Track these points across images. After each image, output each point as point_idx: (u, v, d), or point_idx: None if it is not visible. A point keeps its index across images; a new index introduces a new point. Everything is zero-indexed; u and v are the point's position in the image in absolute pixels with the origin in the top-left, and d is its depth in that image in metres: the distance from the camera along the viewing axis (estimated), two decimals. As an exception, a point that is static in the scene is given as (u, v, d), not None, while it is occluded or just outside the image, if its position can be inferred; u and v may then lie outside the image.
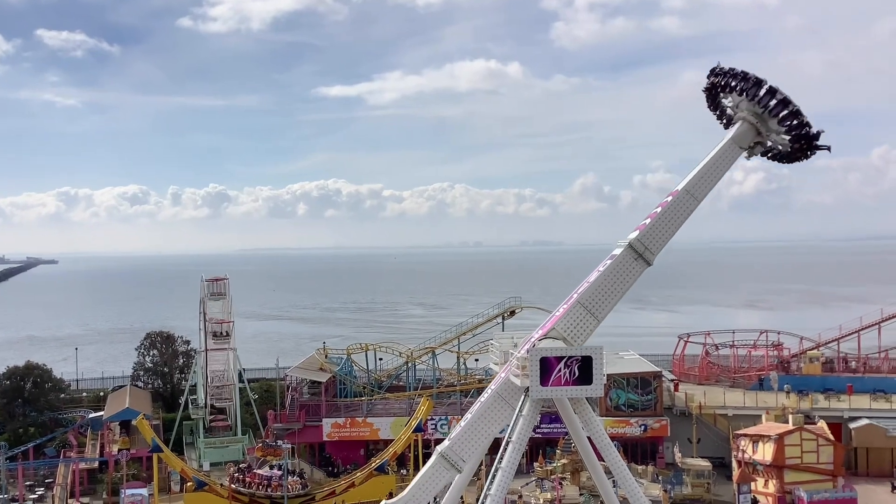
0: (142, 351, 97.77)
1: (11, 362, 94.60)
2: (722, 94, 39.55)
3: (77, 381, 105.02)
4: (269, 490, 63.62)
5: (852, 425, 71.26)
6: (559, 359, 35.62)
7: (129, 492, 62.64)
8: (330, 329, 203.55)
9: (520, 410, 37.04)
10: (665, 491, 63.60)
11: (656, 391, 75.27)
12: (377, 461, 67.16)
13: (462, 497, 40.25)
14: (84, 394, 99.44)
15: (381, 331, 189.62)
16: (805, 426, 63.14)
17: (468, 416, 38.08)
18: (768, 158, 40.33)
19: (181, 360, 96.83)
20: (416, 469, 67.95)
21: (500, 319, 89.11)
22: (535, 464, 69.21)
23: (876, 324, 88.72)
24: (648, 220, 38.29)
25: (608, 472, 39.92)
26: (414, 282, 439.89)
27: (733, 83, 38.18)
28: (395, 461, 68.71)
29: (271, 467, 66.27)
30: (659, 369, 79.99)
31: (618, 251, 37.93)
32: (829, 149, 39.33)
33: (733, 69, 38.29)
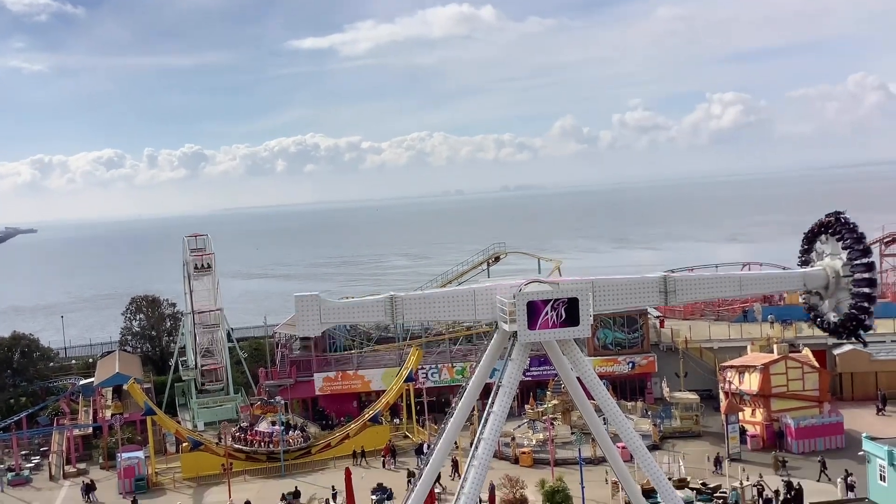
0: (128, 316, 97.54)
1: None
2: (824, 236, 39.62)
3: (65, 349, 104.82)
4: (270, 445, 64.27)
5: (836, 351, 72.40)
6: (545, 302, 35.77)
7: (125, 455, 63.03)
8: (316, 284, 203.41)
9: (509, 355, 37.31)
10: (655, 425, 64.76)
11: (642, 328, 76.08)
12: (370, 412, 67.84)
13: (456, 442, 40.72)
14: (73, 361, 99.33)
15: (366, 283, 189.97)
16: (790, 355, 64.08)
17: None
18: (807, 312, 41.22)
19: (168, 323, 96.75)
20: (409, 418, 68.90)
21: (485, 266, 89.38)
22: (527, 406, 70.15)
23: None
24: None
25: (598, 410, 40.45)
26: (397, 233, 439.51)
27: (845, 234, 38.26)
28: (388, 411, 69.43)
29: (273, 423, 67.07)
30: (644, 307, 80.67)
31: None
32: (864, 343, 40.65)
33: (855, 225, 38.43)
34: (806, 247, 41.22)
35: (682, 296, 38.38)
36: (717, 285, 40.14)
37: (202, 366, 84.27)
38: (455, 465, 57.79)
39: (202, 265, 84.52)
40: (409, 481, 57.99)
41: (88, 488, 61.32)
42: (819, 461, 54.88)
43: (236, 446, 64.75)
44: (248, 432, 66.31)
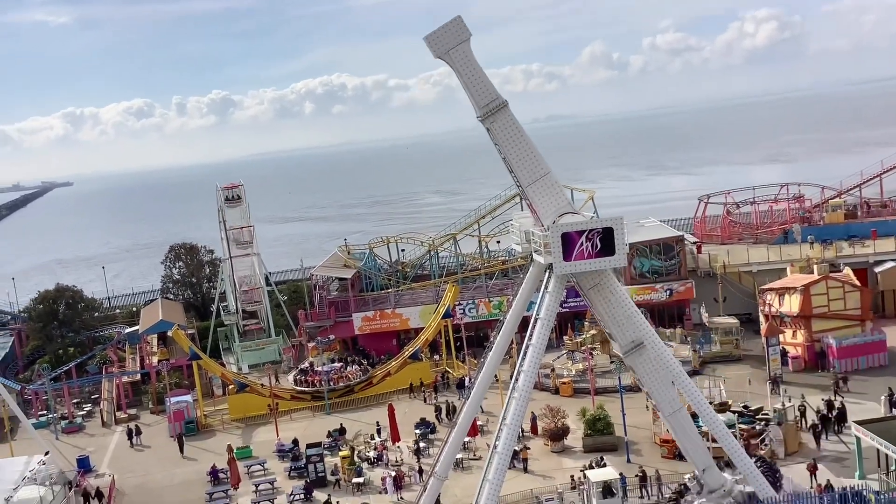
0: (168, 264, 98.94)
1: (42, 286, 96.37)
2: None
3: (108, 298, 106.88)
4: (330, 384, 65.53)
5: (878, 269, 71.41)
6: (580, 233, 35.45)
7: (174, 399, 64.62)
8: (350, 225, 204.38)
9: (545, 287, 37.22)
10: (695, 351, 64.70)
11: (679, 255, 75.44)
12: (410, 349, 68.57)
13: (496, 375, 41.02)
14: (117, 310, 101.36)
15: (400, 222, 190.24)
16: (830, 275, 63.31)
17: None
18: None
19: (207, 270, 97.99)
20: (449, 354, 69.56)
21: (517, 199, 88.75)
22: (565, 337, 70.39)
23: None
24: (467, 93, 36.70)
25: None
26: (429, 170, 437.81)
27: None
28: (427, 348, 70.11)
29: (332, 361, 68.52)
30: (680, 233, 79.98)
31: (487, 126, 36.84)
32: None
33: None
34: None
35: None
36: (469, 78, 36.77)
37: (244, 322, 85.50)
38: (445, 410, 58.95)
39: (241, 239, 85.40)
40: (436, 414, 59.06)
41: (133, 433, 63.15)
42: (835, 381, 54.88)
43: (298, 388, 66.22)
44: (309, 374, 67.60)
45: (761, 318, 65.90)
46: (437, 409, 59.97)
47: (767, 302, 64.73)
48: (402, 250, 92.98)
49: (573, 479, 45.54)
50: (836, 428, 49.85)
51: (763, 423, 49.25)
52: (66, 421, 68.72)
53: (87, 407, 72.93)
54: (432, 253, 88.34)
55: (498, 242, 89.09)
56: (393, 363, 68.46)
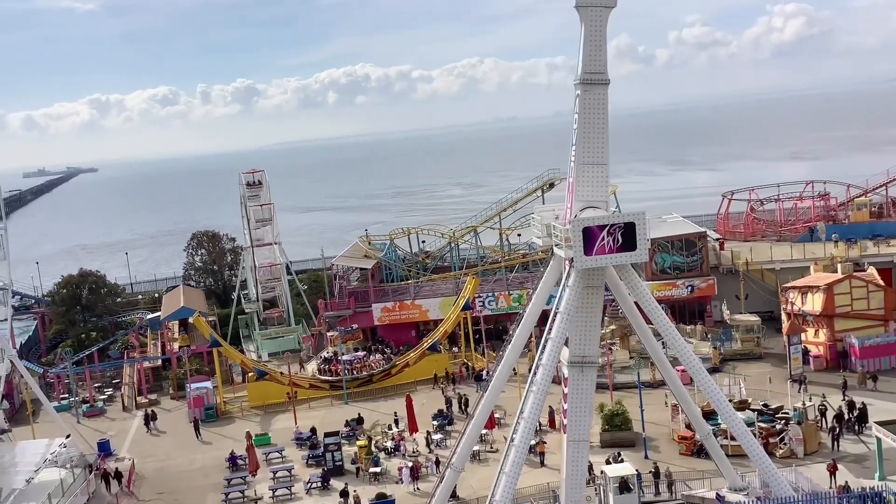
0: (190, 251, 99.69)
1: (66, 271, 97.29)
2: None
3: (131, 284, 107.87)
4: (353, 373, 65.81)
5: (903, 269, 70.52)
6: (601, 227, 35.25)
7: (194, 385, 65.17)
8: (371, 216, 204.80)
9: (565, 281, 37.08)
10: (715, 348, 64.30)
11: (701, 251, 74.90)
12: (429, 341, 68.65)
13: (514, 368, 40.98)
14: (139, 296, 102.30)
15: (421, 213, 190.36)
16: (854, 274, 62.65)
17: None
18: None
19: (229, 258, 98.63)
20: (468, 346, 69.60)
21: (539, 192, 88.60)
22: (584, 331, 70.04)
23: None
24: (580, 52, 36.15)
25: (657, 334, 40.19)
26: (450, 162, 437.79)
27: None
28: (446, 340, 70.18)
29: (356, 350, 68.89)
30: (703, 229, 79.40)
31: (578, 92, 36.27)
32: None
33: None
34: None
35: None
36: (590, 28, 34.95)
37: (265, 308, 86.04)
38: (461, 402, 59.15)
39: (262, 217, 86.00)
40: (447, 407, 59.04)
41: (149, 418, 63.78)
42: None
43: (322, 377, 66.58)
44: (332, 363, 67.94)
45: (783, 317, 65.38)
46: (448, 402, 60.02)
47: (790, 300, 64.19)
48: (423, 242, 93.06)
49: (590, 473, 45.47)
50: (856, 428, 49.41)
51: (783, 421, 48.94)
52: (88, 405, 69.47)
53: (109, 391, 73.68)
54: (452, 245, 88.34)
55: (519, 235, 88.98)
56: (412, 354, 68.59)
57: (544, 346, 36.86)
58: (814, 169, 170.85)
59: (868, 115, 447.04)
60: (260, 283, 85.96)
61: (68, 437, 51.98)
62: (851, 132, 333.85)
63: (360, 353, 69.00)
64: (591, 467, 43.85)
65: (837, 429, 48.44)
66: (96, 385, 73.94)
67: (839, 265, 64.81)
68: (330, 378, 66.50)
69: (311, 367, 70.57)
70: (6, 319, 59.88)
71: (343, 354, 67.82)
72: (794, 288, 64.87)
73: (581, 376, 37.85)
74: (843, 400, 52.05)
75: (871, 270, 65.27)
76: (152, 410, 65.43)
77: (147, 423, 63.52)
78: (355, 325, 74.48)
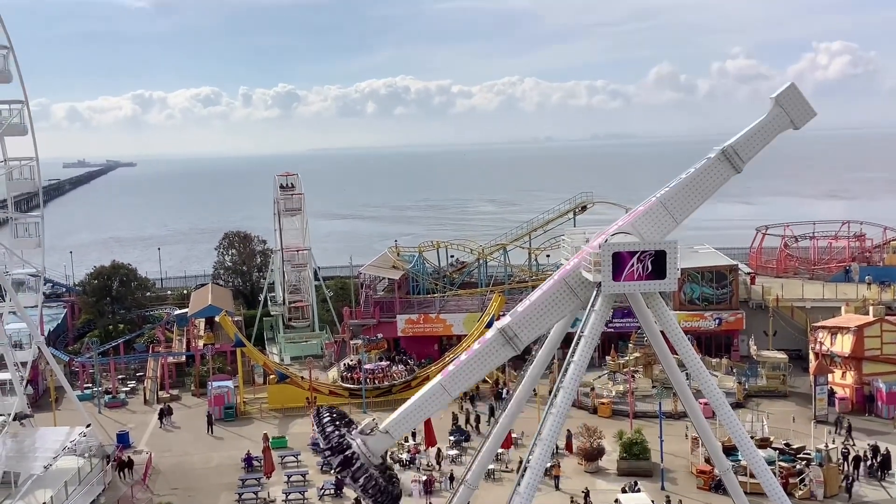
0: (221, 251, 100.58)
1: (98, 262, 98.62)
2: None
3: (161, 279, 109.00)
4: (374, 382, 65.90)
5: (937, 317, 69.29)
6: (632, 254, 35.11)
7: (216, 384, 65.64)
8: (401, 227, 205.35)
9: (592, 305, 36.90)
10: (740, 383, 63.55)
11: (732, 284, 74.20)
12: (451, 356, 68.46)
13: (535, 389, 40.80)
14: (168, 292, 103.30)
15: (452, 228, 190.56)
16: (886, 317, 61.72)
17: (530, 298, 38.27)
18: None
19: (258, 259, 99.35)
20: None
21: (571, 215, 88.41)
22: (608, 357, 69.71)
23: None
24: (744, 130, 37.27)
25: (681, 365, 39.83)
26: (484, 178, 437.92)
27: None
28: (468, 355, 69.91)
29: (381, 359, 69.03)
30: (735, 262, 78.72)
31: (711, 155, 36.98)
32: None
33: None
34: None
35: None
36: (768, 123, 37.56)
37: (290, 302, 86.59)
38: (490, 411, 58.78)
39: (292, 207, 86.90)
40: (454, 424, 58.80)
41: (164, 413, 64.28)
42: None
43: (343, 385, 66.70)
44: (355, 371, 68.08)
45: (811, 356, 64.51)
46: (455, 418, 59.84)
47: (819, 340, 63.35)
48: (452, 256, 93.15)
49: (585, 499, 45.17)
50: (879, 474, 48.56)
51: (804, 462, 48.22)
52: (110, 396, 70.15)
53: (132, 384, 74.36)
54: (481, 261, 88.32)
55: (548, 256, 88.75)
56: (433, 368, 68.47)
57: (566, 369, 36.69)
58: (850, 208, 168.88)
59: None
60: (286, 265, 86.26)
61: (88, 426, 52.46)
62: (891, 174, 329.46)
63: (384, 363, 69.09)
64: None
65: (852, 476, 47.62)
66: (120, 377, 74.67)
67: (871, 308, 63.90)
68: (350, 386, 66.60)
69: (333, 373, 70.72)
70: (36, 306, 60.74)
71: (366, 363, 67.93)
72: (823, 328, 64.02)
73: None
74: (870, 444, 51.17)
75: (904, 315, 64.26)
76: (168, 406, 65.96)
77: (161, 418, 64.03)
78: (380, 335, 74.65)
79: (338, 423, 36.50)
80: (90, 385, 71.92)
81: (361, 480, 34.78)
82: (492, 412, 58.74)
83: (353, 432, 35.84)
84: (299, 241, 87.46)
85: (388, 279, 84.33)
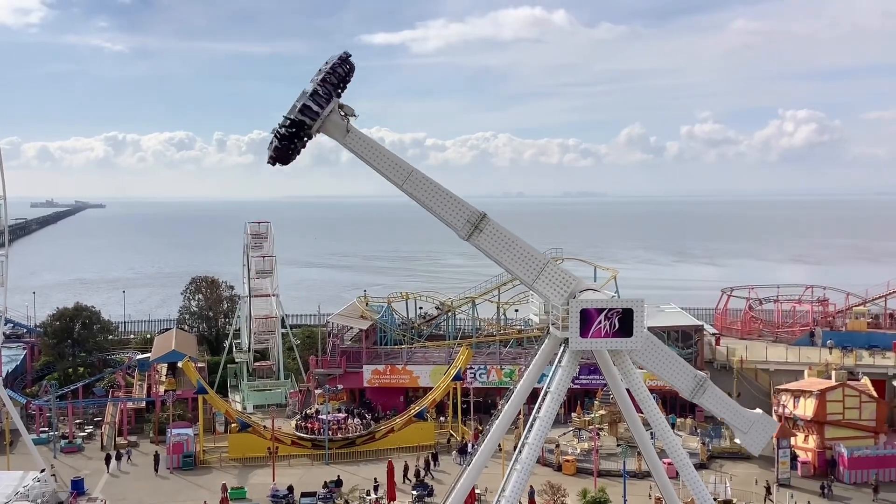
0: (187, 295, 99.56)
1: (61, 304, 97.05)
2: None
3: (125, 323, 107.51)
4: (329, 433, 65.04)
5: (897, 383, 70.26)
6: (600, 311, 35.44)
7: (175, 431, 64.39)
8: (371, 277, 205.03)
9: (559, 361, 37.05)
10: (703, 444, 63.64)
11: (697, 345, 74.80)
12: (416, 408, 68.06)
13: (500, 445, 40.59)
14: (132, 336, 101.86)
15: (421, 279, 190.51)
16: (848, 382, 62.39)
17: None
18: None
19: (225, 305, 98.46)
20: (455, 416, 69.01)
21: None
22: (573, 414, 69.62)
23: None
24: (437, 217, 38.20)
25: (646, 424, 39.93)
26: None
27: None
28: (434, 408, 69.58)
29: (339, 411, 68.17)
30: (700, 323, 79.45)
31: (474, 244, 37.57)
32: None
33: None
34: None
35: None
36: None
37: (255, 360, 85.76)
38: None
39: (263, 268, 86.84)
40: (416, 478, 58.30)
41: (111, 458, 63.12)
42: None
43: (298, 434, 65.73)
44: (310, 420, 67.23)
45: (774, 419, 64.80)
46: (406, 469, 59.39)
47: (782, 403, 63.83)
48: (421, 308, 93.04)
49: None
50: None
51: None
52: (67, 440, 68.55)
53: (89, 429, 72.79)
54: (449, 314, 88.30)
55: (516, 311, 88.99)
56: (398, 420, 67.93)
57: (532, 425, 36.65)
58: (814, 273, 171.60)
59: (872, 225, 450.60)
60: (254, 333, 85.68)
61: (43, 471, 51.22)
62: (854, 240, 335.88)
63: (341, 415, 68.20)
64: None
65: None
66: (77, 421, 73.09)
67: (833, 372, 64.62)
68: (306, 435, 65.70)
69: (291, 422, 69.83)
70: (-5, 346, 59.58)
71: (325, 413, 67.15)
72: (787, 391, 64.58)
73: (709, 395, 38.70)
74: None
75: (865, 381, 65.03)
76: (118, 451, 64.60)
77: (108, 462, 62.70)
78: (340, 386, 74.03)
79: None
80: (46, 429, 70.29)
81: None
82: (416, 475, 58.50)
83: None
84: (268, 308, 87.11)
85: (357, 329, 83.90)
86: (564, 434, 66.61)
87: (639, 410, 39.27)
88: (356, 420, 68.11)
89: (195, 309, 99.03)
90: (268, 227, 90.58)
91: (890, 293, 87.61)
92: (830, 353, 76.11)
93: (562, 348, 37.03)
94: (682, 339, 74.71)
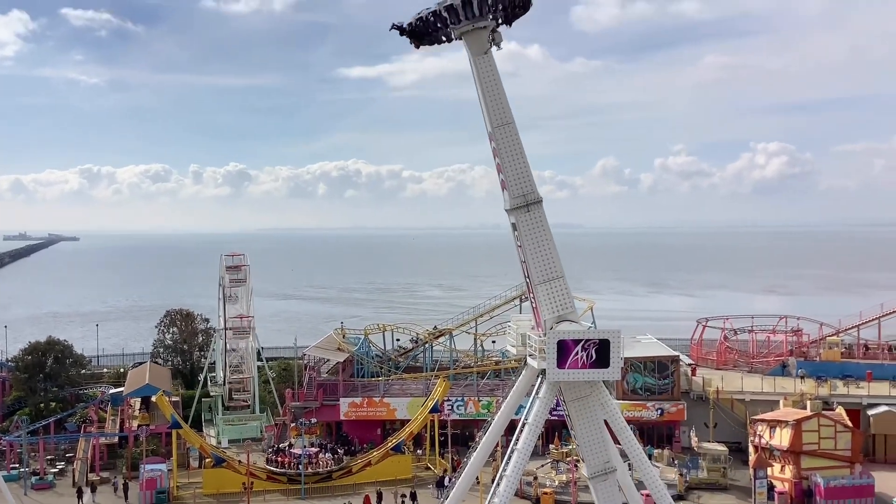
0: (162, 328, 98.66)
1: (33, 338, 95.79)
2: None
3: (98, 357, 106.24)
4: (300, 468, 64.35)
5: (871, 412, 70.80)
6: (576, 342, 35.54)
7: (148, 467, 63.43)
8: (348, 309, 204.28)
9: (536, 392, 37.07)
10: (681, 475, 63.64)
11: (673, 375, 75.07)
12: (394, 441, 67.59)
13: (478, 478, 40.39)
14: (105, 370, 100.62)
15: (399, 311, 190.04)
16: (823, 412, 62.79)
17: None
18: None
19: (200, 338, 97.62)
20: (433, 448, 68.59)
21: (517, 302, 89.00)
22: (551, 446, 69.43)
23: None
24: (501, 177, 37.30)
25: (624, 455, 39.93)
26: (433, 263, 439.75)
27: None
28: (411, 441, 69.13)
29: (313, 445, 67.46)
30: (676, 353, 79.77)
31: (512, 220, 37.25)
32: None
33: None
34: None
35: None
36: (504, 148, 36.73)
37: (230, 383, 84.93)
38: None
39: (237, 280, 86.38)
40: None
41: (81, 493, 62.03)
42: None
43: (270, 468, 64.94)
44: (281, 454, 66.47)
45: (751, 449, 65.06)
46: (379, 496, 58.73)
47: (758, 433, 64.06)
48: (398, 339, 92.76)
49: None
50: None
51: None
52: (37, 477, 67.32)
53: (61, 465, 71.57)
54: (426, 346, 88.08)
55: (493, 342, 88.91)
56: (374, 453, 67.39)
57: (510, 457, 36.55)
58: (787, 303, 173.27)
59: (843, 256, 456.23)
60: (228, 377, 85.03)
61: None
62: (825, 271, 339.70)
63: (313, 450, 67.47)
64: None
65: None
66: (49, 457, 71.84)
67: (808, 402, 65.05)
68: (278, 470, 64.94)
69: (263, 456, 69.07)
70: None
71: (300, 447, 66.40)
72: (763, 421, 64.84)
73: (606, 485, 37.28)
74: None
75: (840, 410, 65.51)
76: (79, 487, 63.65)
77: (80, 497, 61.70)
78: (314, 419, 73.32)
79: None
80: (17, 465, 69.00)
81: None
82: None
83: None
84: (243, 346, 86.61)
85: (334, 361, 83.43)
86: (542, 466, 66.37)
87: (617, 442, 39.29)
88: (327, 455, 67.31)
89: (170, 342, 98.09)
90: (244, 259, 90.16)
91: (862, 323, 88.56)
92: (803, 382, 76.66)
93: (539, 379, 37.06)
94: (659, 370, 74.95)
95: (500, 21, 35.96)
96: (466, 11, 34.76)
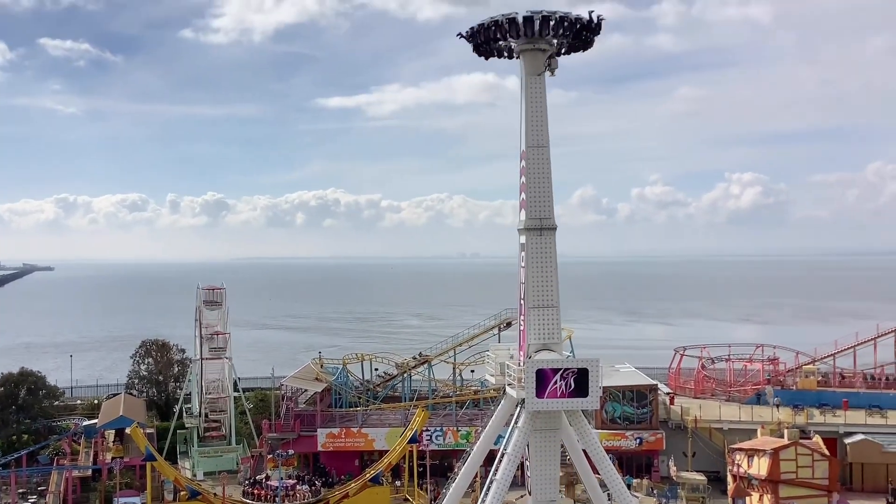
0: (137, 359, 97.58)
1: (6, 369, 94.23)
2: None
3: (71, 388, 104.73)
4: (276, 500, 63.57)
5: (848, 440, 71.20)
6: (555, 371, 35.58)
7: (122, 500, 62.57)
8: (326, 339, 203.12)
9: (515, 422, 37.00)
10: (660, 504, 63.50)
11: (652, 404, 75.19)
12: (372, 472, 66.95)
13: (456, 509, 40.07)
14: (78, 401, 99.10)
15: (377, 341, 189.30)
16: (800, 441, 63.06)
17: None
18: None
19: (176, 369, 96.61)
20: (411, 480, 68.05)
21: (496, 331, 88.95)
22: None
23: (872, 340, 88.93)
24: (522, 196, 38.37)
25: (603, 485, 39.85)
26: (411, 292, 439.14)
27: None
28: (389, 472, 68.56)
29: (290, 477, 66.66)
30: (655, 382, 79.96)
31: (522, 240, 37.99)
32: None
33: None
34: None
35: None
36: (532, 170, 39.00)
37: (205, 426, 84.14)
38: None
39: (217, 345, 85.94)
40: None
41: None
42: None
43: (246, 501, 64.10)
44: (258, 486, 65.69)
45: (729, 478, 65.12)
46: None
47: (736, 462, 64.17)
48: (376, 369, 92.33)
49: None
50: None
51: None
52: (8, 511, 66.06)
53: (33, 499, 70.24)
54: (405, 375, 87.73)
55: (472, 371, 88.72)
56: (352, 484, 66.74)
57: (489, 488, 36.40)
58: (763, 332, 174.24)
59: (817, 285, 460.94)
60: (205, 405, 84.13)
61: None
62: (800, 300, 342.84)
63: (290, 481, 66.75)
64: None
65: None
66: (20, 491, 70.45)
67: (786, 431, 65.30)
68: (252, 502, 64.05)
69: (239, 489, 68.22)
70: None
71: (276, 479, 65.67)
72: (740, 450, 64.99)
73: None
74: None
75: (817, 439, 65.81)
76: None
77: None
78: (291, 451, 72.56)
79: None
80: (-14, 499, 67.71)
81: None
82: None
83: None
84: (219, 378, 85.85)
85: (311, 391, 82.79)
86: (521, 497, 65.80)
87: (595, 471, 39.24)
88: (305, 487, 66.60)
89: (145, 373, 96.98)
90: (222, 292, 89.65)
91: (838, 352, 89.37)
92: (777, 410, 77.03)
93: (518, 409, 37.01)
94: (637, 399, 75.06)
95: (561, 50, 37.95)
96: (526, 28, 36.65)
